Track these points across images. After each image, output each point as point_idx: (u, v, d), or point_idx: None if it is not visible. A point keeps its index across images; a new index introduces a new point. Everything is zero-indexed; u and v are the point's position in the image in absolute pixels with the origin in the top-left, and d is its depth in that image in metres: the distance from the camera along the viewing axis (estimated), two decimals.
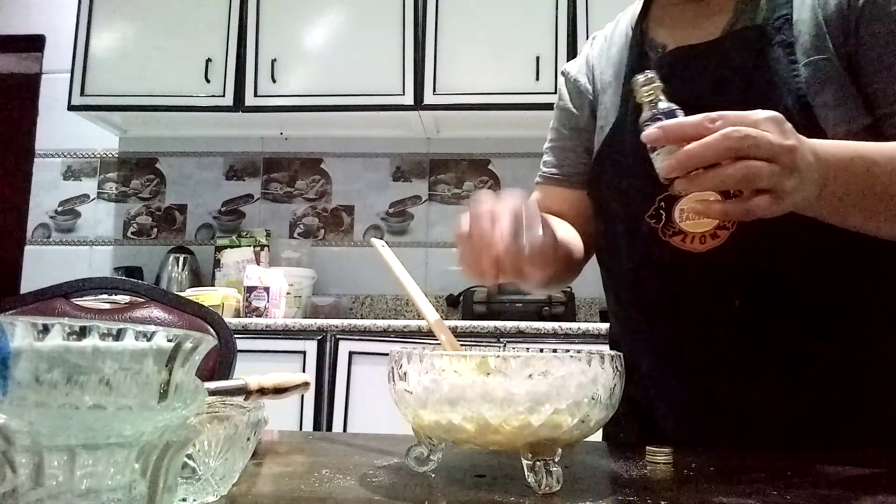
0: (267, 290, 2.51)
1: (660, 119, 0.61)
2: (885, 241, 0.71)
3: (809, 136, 0.64)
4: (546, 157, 1.01)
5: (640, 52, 0.88)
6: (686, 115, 0.62)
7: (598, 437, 0.59)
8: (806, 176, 0.58)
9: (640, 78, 0.64)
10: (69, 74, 2.78)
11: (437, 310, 0.67)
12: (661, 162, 0.59)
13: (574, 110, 0.97)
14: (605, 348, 0.56)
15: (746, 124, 0.56)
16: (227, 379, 1.02)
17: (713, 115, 0.57)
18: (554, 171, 0.99)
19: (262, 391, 0.75)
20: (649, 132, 0.60)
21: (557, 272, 0.86)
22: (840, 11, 0.74)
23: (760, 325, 0.78)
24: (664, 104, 0.63)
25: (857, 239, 0.70)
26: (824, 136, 0.69)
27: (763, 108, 0.63)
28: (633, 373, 0.90)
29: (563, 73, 1.02)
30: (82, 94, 2.76)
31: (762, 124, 0.57)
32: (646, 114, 0.63)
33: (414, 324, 2.26)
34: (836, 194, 0.63)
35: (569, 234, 0.91)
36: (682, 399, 0.84)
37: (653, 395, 0.88)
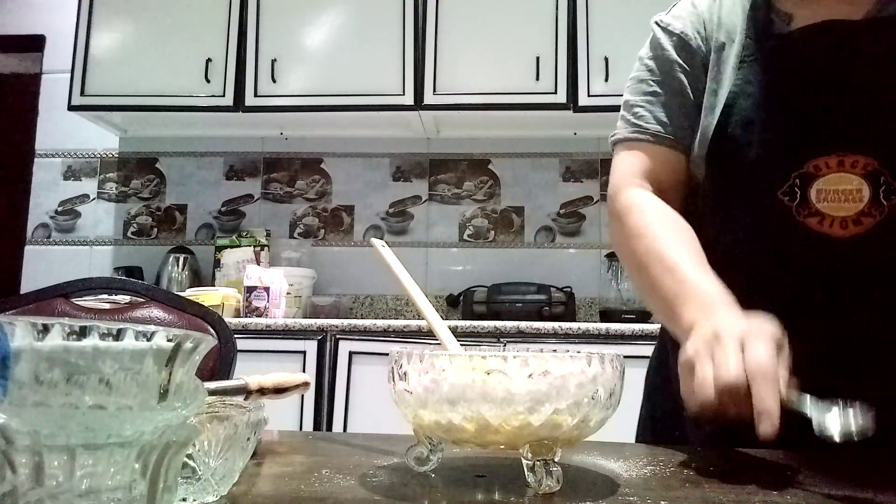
0: (267, 290, 2.51)
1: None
2: None
3: None
4: (642, 111, 0.87)
5: (765, 17, 0.81)
6: (829, 92, 0.72)
7: (599, 437, 0.59)
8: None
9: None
10: (69, 74, 2.77)
11: (437, 310, 0.67)
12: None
13: (684, 63, 0.86)
14: (606, 348, 0.56)
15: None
16: (227, 379, 1.02)
17: None
18: (659, 128, 0.86)
19: (262, 391, 0.75)
20: None
21: None
22: None
23: (842, 332, 0.74)
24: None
25: None
26: None
27: None
28: None
29: (659, 24, 0.90)
30: (82, 94, 2.76)
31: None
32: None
33: (414, 324, 2.26)
34: None
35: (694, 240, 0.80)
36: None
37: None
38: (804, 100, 0.76)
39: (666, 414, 0.92)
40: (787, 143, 0.76)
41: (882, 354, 0.75)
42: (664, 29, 0.90)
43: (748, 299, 0.80)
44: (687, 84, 0.86)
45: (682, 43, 0.87)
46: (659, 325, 0.97)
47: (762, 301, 0.78)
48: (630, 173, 0.87)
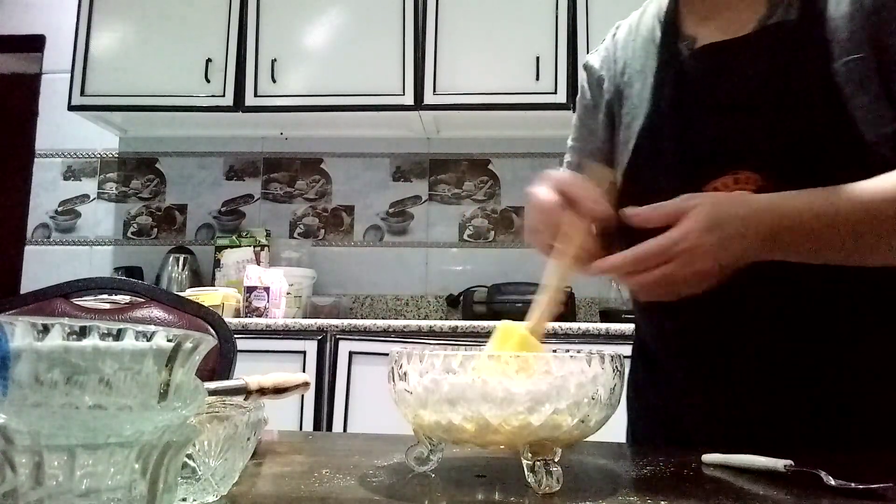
0: (267, 290, 2.51)
1: None
2: None
3: (842, 142, 0.70)
4: (568, 157, 1.01)
5: (670, 45, 0.85)
6: (716, 116, 0.77)
7: (599, 437, 0.59)
8: (719, 247, 0.64)
9: None
10: (69, 74, 2.77)
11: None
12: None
13: (599, 106, 0.95)
14: (606, 348, 0.56)
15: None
16: (227, 379, 1.02)
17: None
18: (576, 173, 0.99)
19: (262, 391, 0.75)
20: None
21: None
22: (875, 7, 0.71)
23: (796, 329, 0.76)
24: None
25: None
26: (859, 142, 0.70)
27: (795, 111, 0.72)
28: (660, 377, 0.89)
29: (584, 67, 0.98)
30: (82, 94, 2.76)
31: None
32: None
33: (414, 324, 2.26)
34: (787, 249, 0.68)
35: None
36: (710, 406, 0.82)
37: (680, 401, 0.86)
38: (699, 124, 0.80)
39: (640, 418, 0.95)
40: (688, 170, 0.79)
41: (796, 368, 0.77)
42: (587, 70, 0.98)
43: (674, 324, 0.84)
44: (600, 127, 0.95)
45: (598, 84, 0.95)
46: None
47: (684, 318, 0.82)
48: None
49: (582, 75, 0.99)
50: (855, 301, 0.76)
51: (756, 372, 0.79)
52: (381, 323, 2.27)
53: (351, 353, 2.27)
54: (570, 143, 1.01)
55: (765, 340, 0.78)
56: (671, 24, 0.86)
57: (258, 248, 2.83)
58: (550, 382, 0.51)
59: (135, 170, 3.13)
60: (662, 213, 0.65)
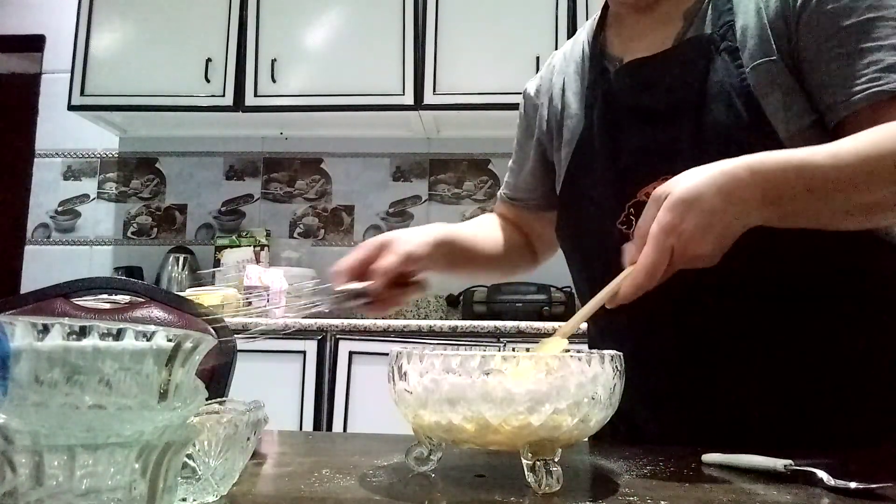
0: (267, 289, 2.51)
1: None
2: (855, 235, 0.73)
3: (762, 138, 0.73)
4: (508, 177, 1.09)
5: (598, 66, 0.91)
6: (643, 126, 0.82)
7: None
8: (711, 221, 0.63)
9: None
10: (69, 74, 2.78)
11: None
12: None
13: (536, 128, 1.01)
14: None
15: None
16: (227, 379, 1.02)
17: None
18: (510, 194, 1.07)
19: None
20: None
21: (480, 267, 1.03)
22: (781, 12, 0.77)
23: (735, 324, 0.79)
24: None
25: (829, 236, 0.72)
26: (776, 137, 0.74)
27: (716, 114, 0.77)
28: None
29: (522, 94, 1.06)
30: (82, 94, 2.76)
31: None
32: None
33: (414, 324, 2.26)
34: (777, 213, 0.67)
35: (486, 241, 1.02)
36: (662, 402, 0.85)
37: (634, 400, 0.88)
38: (627, 135, 0.85)
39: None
40: (619, 179, 0.84)
41: (732, 362, 0.80)
42: (524, 96, 1.05)
43: (630, 320, 0.84)
44: (532, 148, 1.02)
45: (533, 108, 1.03)
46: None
47: (628, 319, 0.82)
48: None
49: (521, 101, 1.06)
50: (851, 299, 0.77)
51: (703, 366, 0.81)
52: (381, 323, 2.27)
53: (351, 353, 2.27)
54: (510, 164, 1.08)
55: (712, 333, 0.80)
56: (598, 47, 0.93)
57: (258, 248, 2.83)
58: (550, 382, 0.51)
59: (135, 170, 3.13)
60: (643, 230, 0.66)
